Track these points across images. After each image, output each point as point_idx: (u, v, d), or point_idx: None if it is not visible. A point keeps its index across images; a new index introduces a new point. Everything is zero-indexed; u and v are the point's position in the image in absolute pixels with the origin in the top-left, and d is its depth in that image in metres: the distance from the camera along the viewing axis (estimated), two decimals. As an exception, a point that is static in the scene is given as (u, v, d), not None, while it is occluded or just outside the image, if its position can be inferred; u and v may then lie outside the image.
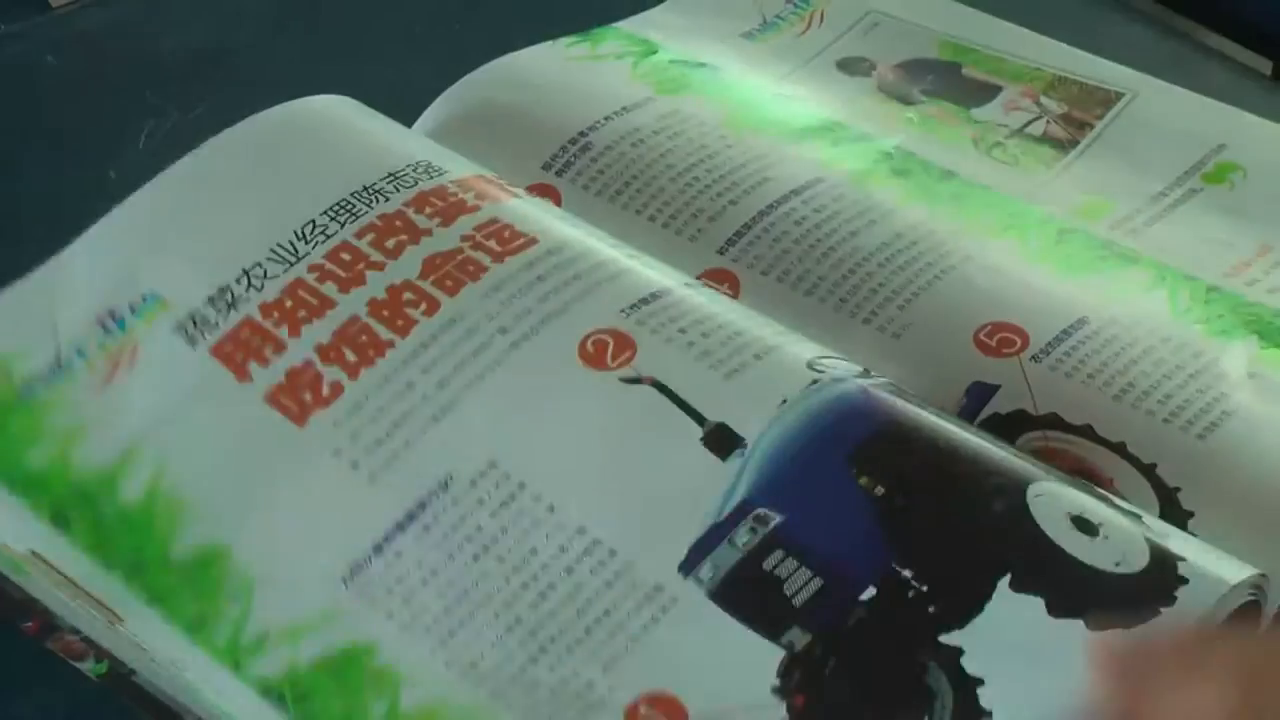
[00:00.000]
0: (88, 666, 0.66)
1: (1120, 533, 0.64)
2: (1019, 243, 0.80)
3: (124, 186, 0.85)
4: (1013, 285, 0.77)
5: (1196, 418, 0.72)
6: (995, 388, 0.72)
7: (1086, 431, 0.71)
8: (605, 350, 0.69)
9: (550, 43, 0.89)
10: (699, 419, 0.67)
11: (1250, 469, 0.70)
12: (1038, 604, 0.62)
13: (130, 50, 0.94)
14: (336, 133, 0.78)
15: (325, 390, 0.69)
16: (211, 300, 0.72)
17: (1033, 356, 0.74)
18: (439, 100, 0.85)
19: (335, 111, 0.79)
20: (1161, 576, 0.63)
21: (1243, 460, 0.71)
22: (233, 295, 0.72)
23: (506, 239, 0.72)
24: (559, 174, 0.82)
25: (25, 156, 0.89)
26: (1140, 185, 0.85)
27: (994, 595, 0.62)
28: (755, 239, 0.79)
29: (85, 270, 0.74)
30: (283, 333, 0.71)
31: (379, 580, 0.66)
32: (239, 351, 0.71)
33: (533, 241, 0.72)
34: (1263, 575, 0.63)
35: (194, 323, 0.72)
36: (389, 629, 0.65)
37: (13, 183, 0.87)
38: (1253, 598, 0.64)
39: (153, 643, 0.66)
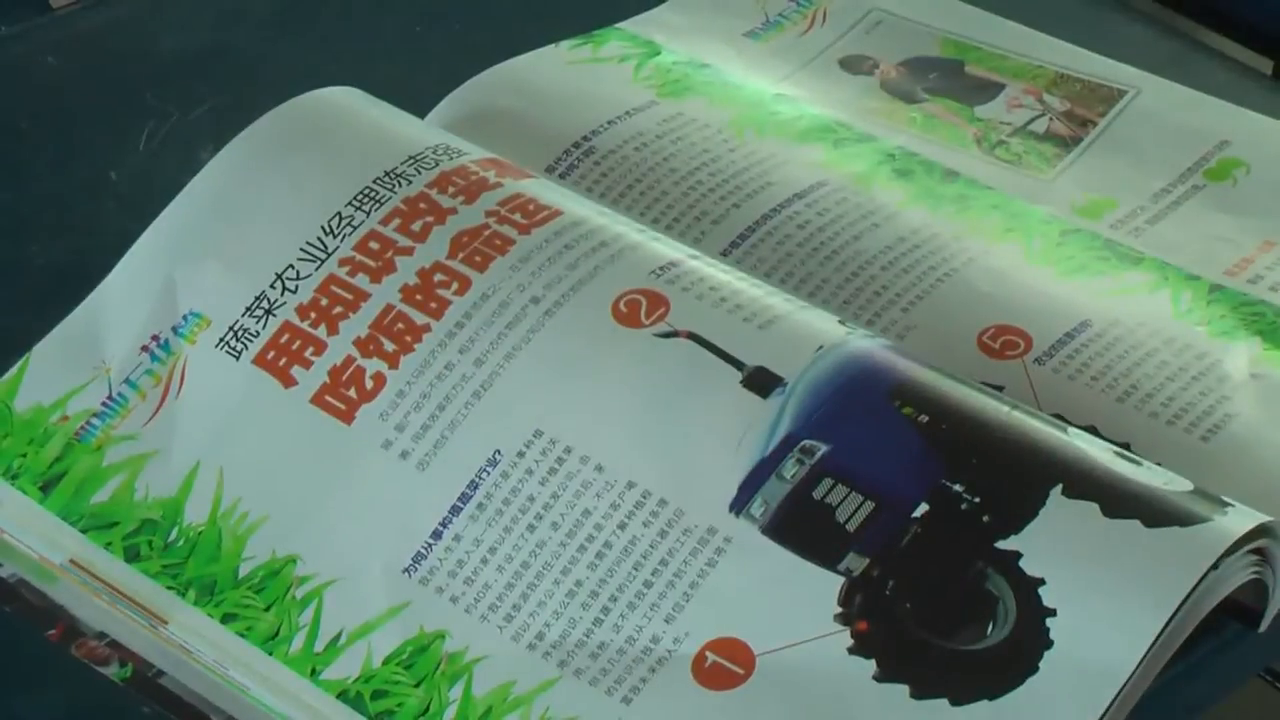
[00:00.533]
0: (111, 671, 0.67)
1: (1161, 470, 0.66)
2: (1022, 245, 0.80)
3: (125, 187, 0.85)
4: (1016, 288, 0.77)
5: (1200, 420, 0.72)
6: (999, 390, 0.72)
7: (1091, 433, 0.71)
8: (638, 309, 0.70)
9: (553, 46, 0.89)
10: (737, 364, 0.68)
11: (1254, 470, 0.71)
12: (1092, 508, 0.63)
13: (131, 51, 0.94)
14: (352, 122, 0.78)
15: (368, 384, 0.70)
16: (249, 310, 0.72)
17: (1036, 359, 0.74)
18: (442, 104, 0.85)
19: (347, 101, 0.79)
20: (1207, 498, 0.65)
21: (1246, 462, 0.71)
22: (269, 302, 0.72)
23: (531, 212, 0.73)
24: (562, 177, 0.82)
25: (26, 158, 0.89)
26: (1143, 182, 0.85)
27: (1047, 502, 0.64)
28: (759, 242, 0.79)
29: (125, 298, 0.75)
30: (321, 332, 0.71)
31: (441, 566, 0.67)
32: (281, 357, 0.71)
33: (557, 213, 0.73)
34: (1273, 535, 0.64)
35: (236, 335, 0.72)
36: (455, 613, 0.66)
37: (14, 184, 0.87)
38: (1256, 574, 0.65)
39: (198, 644, 0.67)
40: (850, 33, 0.93)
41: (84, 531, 0.70)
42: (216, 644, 0.67)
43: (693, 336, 0.69)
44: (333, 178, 0.75)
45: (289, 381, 0.71)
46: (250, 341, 0.72)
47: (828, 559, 0.64)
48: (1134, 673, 0.61)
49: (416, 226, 0.73)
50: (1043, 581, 0.62)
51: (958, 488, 0.65)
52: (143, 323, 0.74)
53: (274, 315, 0.72)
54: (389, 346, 0.71)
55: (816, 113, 0.87)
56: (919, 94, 0.89)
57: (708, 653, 0.64)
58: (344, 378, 0.71)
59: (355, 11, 0.97)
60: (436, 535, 0.68)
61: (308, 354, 0.71)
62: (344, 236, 0.73)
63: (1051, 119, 0.88)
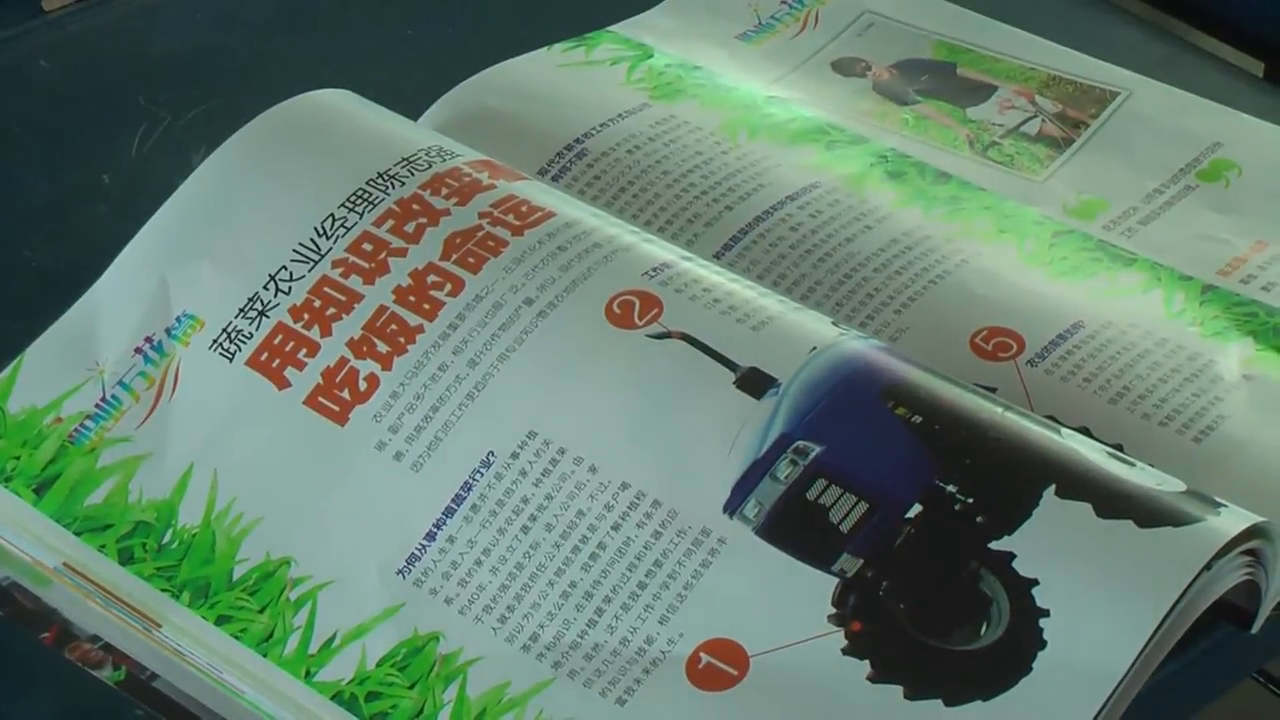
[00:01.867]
0: (105, 674, 0.67)
1: (1154, 471, 0.66)
2: (1014, 246, 0.80)
3: (118, 190, 0.85)
4: (1008, 290, 0.77)
5: (1193, 421, 0.72)
6: (991, 391, 0.72)
7: (1083, 435, 0.71)
8: (632, 310, 0.70)
9: (545, 49, 0.89)
10: (730, 366, 0.68)
11: (1246, 472, 0.71)
12: (1085, 508, 0.63)
13: (123, 54, 0.94)
14: (345, 124, 0.78)
15: (362, 385, 0.70)
16: (243, 311, 0.72)
17: (1029, 361, 0.74)
18: (435, 106, 0.85)
19: (340, 104, 0.79)
20: (1200, 498, 0.65)
21: (1239, 463, 0.71)
22: (263, 303, 0.72)
23: (524, 213, 0.73)
24: (555, 180, 0.82)
25: (19, 161, 0.88)
26: (1135, 182, 0.85)
27: (1041, 502, 0.64)
28: (751, 244, 0.79)
29: (118, 300, 0.75)
30: (314, 333, 0.72)
31: (435, 568, 0.67)
32: (275, 359, 0.72)
33: (550, 215, 0.73)
34: (1265, 536, 0.64)
35: (229, 337, 0.72)
36: (450, 615, 0.66)
37: (7, 187, 0.87)
38: (1248, 575, 0.65)
39: (192, 646, 0.67)
40: (842, 35, 0.93)
41: (78, 534, 0.70)
42: (210, 646, 0.67)
43: (686, 337, 0.69)
44: (325, 179, 0.75)
45: (282, 383, 0.71)
46: (243, 343, 0.72)
47: (821, 560, 0.65)
48: (1127, 674, 0.61)
49: (409, 228, 0.73)
50: (1036, 582, 0.63)
51: (951, 488, 0.65)
52: (136, 324, 0.74)
53: (267, 316, 0.72)
54: (382, 348, 0.71)
55: (809, 115, 0.87)
56: (911, 96, 0.89)
57: (702, 654, 0.64)
58: (337, 379, 0.71)
59: (348, 15, 0.98)
60: (430, 537, 0.68)
61: (301, 355, 0.71)
62: (337, 238, 0.73)
63: (1043, 120, 0.88)
